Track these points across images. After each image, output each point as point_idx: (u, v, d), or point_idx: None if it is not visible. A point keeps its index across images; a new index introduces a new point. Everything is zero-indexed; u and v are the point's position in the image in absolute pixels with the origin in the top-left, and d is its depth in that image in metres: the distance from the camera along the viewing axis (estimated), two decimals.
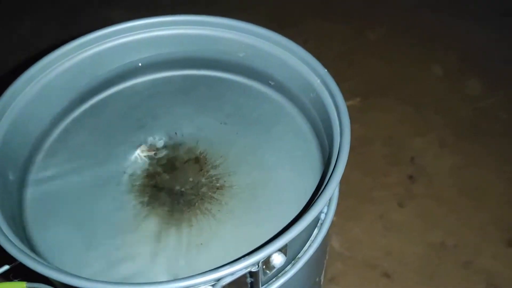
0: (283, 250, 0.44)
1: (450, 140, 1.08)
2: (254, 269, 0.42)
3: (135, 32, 0.64)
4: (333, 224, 0.94)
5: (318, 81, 0.57)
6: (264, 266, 0.44)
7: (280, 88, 0.61)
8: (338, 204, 0.98)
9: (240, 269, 0.40)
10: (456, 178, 1.01)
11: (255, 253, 0.40)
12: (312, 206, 0.43)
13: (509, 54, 1.25)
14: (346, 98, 1.20)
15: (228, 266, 0.39)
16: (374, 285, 0.86)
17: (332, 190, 0.45)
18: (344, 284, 0.86)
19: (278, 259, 0.45)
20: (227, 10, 1.39)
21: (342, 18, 1.38)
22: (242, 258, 0.40)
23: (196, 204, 0.53)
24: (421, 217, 0.95)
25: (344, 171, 1.12)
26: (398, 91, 1.19)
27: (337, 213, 0.96)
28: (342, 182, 1.01)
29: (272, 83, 0.61)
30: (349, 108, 1.22)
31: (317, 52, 1.38)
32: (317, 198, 0.44)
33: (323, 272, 0.63)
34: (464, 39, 1.30)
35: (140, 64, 0.65)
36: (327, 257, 0.63)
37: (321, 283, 0.64)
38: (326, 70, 0.57)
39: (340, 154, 0.48)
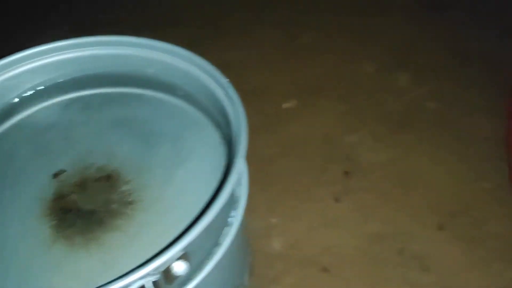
0: (183, 257, 0.46)
1: (383, 133, 1.12)
2: (154, 279, 0.44)
3: (46, 56, 0.65)
4: (273, 225, 0.98)
5: (221, 90, 0.59)
6: (166, 275, 0.46)
7: (190, 99, 0.64)
8: (280, 205, 1.01)
9: (135, 281, 0.42)
10: (390, 170, 1.05)
11: (145, 265, 0.42)
12: (201, 217, 0.45)
13: (435, 46, 1.31)
14: (282, 101, 1.25)
15: (119, 280, 0.41)
16: (314, 281, 0.89)
17: (223, 200, 0.47)
18: (285, 283, 0.88)
19: (180, 267, 0.46)
20: (166, 24, 1.41)
21: (275, 25, 1.41)
22: (133, 271, 0.41)
23: (107, 221, 0.54)
24: (357, 211, 0.98)
25: (284, 172, 1.14)
26: (332, 91, 1.23)
27: (278, 214, 1.00)
28: (281, 184, 1.05)
29: (182, 93, 0.64)
30: (286, 110, 1.27)
31: (252, 58, 1.42)
32: (207, 209, 0.46)
33: (247, 274, 0.65)
34: (393, 35, 1.35)
35: (51, 87, 0.66)
36: (250, 259, 0.65)
37: (246, 285, 0.66)
38: (227, 79, 0.59)
39: (235, 161, 0.50)
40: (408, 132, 1.12)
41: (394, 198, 0.99)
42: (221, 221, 0.52)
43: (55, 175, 0.58)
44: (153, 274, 0.43)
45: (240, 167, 0.50)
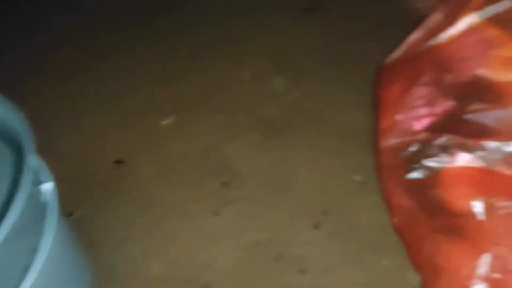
0: None
1: (261, 140, 1.12)
2: None
3: None
4: (151, 248, 0.95)
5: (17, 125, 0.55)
6: None
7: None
8: (158, 226, 0.98)
9: None
10: (268, 176, 1.05)
11: None
12: None
13: (310, 47, 1.33)
14: (161, 118, 1.22)
15: None
16: None
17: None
18: None
19: None
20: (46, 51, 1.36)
21: (153, 42, 1.39)
22: None
23: None
24: (236, 222, 0.97)
25: (162, 192, 1.11)
26: (211, 103, 1.22)
27: (156, 236, 0.97)
28: (159, 204, 1.02)
29: None
30: (165, 127, 1.24)
31: (130, 77, 1.38)
32: None
33: None
34: (269, 39, 1.36)
35: None
36: None
37: None
38: (20, 113, 0.56)
39: (18, 190, 0.46)
40: (285, 136, 1.13)
41: (272, 203, 1.00)
42: (16, 258, 0.47)
43: None
44: None
45: (28, 193, 0.46)
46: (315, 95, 1.21)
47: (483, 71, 0.87)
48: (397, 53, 1.04)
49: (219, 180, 1.04)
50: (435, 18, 0.99)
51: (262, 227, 0.96)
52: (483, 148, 0.80)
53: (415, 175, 0.85)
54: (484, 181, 0.78)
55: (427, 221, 0.82)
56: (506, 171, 0.78)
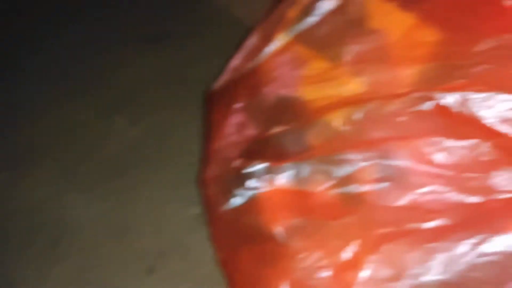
0: None
1: (100, 185, 1.06)
2: None
3: None
4: None
5: None
6: None
7: None
8: None
9: None
10: (103, 224, 0.99)
11: None
12: None
13: (153, 79, 1.30)
14: None
15: None
16: None
17: None
18: None
19: None
20: None
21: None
22: None
23: None
24: (64, 281, 0.91)
25: None
26: (48, 152, 1.15)
27: None
28: None
29: None
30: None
31: None
32: None
33: None
34: (111, 75, 1.30)
35: None
36: None
37: None
38: None
39: None
40: (125, 178, 1.08)
41: (104, 254, 0.94)
42: None
43: None
44: None
45: None
46: (156, 129, 1.18)
47: (287, 92, 0.87)
48: (222, 78, 1.03)
49: (48, 237, 0.97)
50: (254, 39, 0.98)
51: (92, 282, 0.90)
52: (288, 169, 0.80)
53: (232, 204, 0.83)
54: (292, 202, 0.78)
55: (245, 251, 0.80)
56: (310, 188, 0.78)
